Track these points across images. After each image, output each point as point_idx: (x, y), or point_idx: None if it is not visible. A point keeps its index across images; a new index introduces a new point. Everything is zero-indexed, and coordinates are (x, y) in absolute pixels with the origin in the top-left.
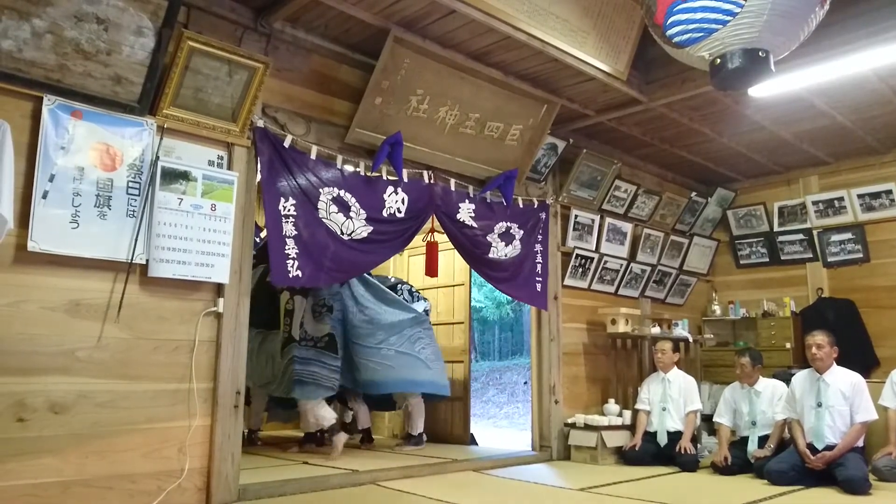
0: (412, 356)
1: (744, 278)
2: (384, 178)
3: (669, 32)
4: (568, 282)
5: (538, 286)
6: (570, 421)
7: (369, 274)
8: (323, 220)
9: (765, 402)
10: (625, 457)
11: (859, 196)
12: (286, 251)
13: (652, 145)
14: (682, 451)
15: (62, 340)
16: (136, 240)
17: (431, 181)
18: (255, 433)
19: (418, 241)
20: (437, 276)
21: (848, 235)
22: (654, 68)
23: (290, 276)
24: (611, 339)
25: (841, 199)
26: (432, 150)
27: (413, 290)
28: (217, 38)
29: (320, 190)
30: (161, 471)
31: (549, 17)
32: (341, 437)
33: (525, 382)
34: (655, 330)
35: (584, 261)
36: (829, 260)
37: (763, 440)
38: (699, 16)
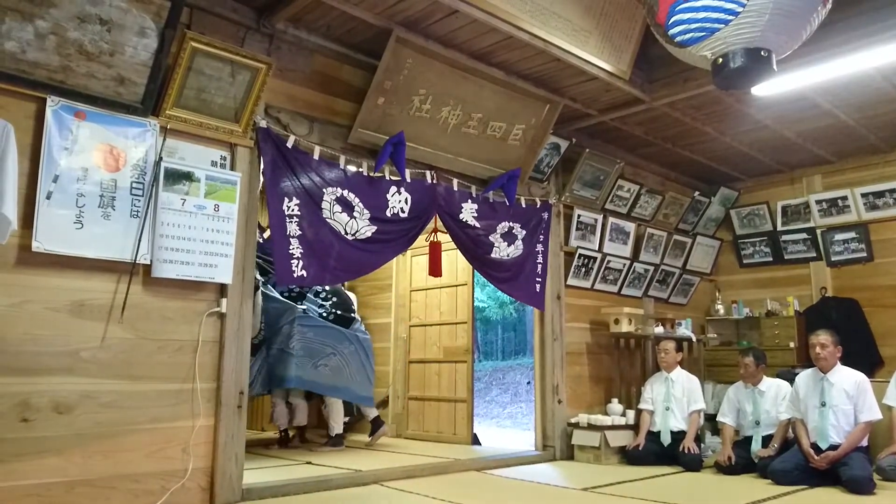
0: (287, 352)
1: (747, 278)
2: (387, 178)
3: (671, 32)
4: (571, 281)
5: (537, 286)
6: (573, 421)
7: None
8: (327, 219)
9: (768, 402)
10: (628, 456)
11: (863, 195)
12: (290, 251)
13: (655, 145)
14: (686, 451)
15: (66, 341)
16: (139, 240)
17: (434, 181)
18: (285, 432)
19: (421, 240)
20: (440, 275)
21: (851, 234)
22: (656, 68)
23: (295, 275)
24: (614, 339)
25: (844, 198)
26: (435, 150)
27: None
28: (220, 38)
29: (324, 190)
30: (165, 471)
31: (552, 16)
32: None
33: (528, 382)
34: (659, 329)
35: (587, 260)
36: (832, 259)
37: (767, 440)
38: (701, 15)
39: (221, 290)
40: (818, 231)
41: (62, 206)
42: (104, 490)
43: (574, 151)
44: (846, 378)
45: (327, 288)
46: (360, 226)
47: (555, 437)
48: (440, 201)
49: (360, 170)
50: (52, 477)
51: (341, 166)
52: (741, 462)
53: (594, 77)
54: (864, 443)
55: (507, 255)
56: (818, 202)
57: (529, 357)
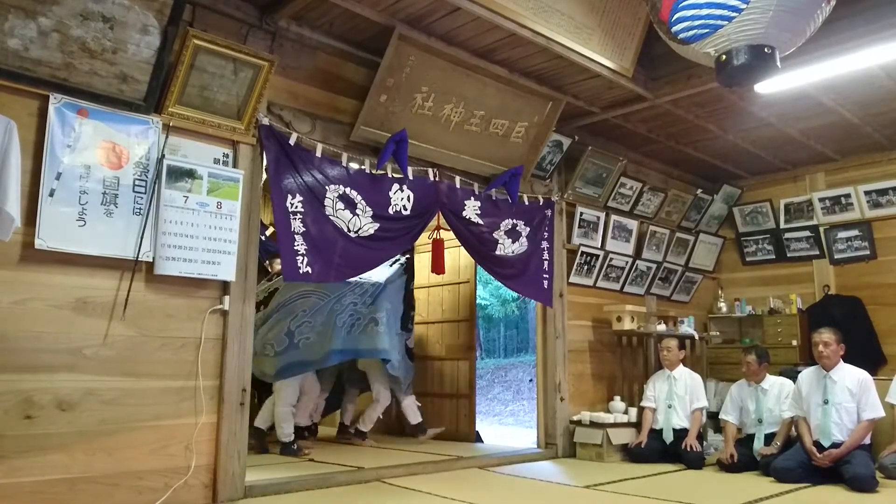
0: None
1: (750, 275)
2: (389, 175)
3: (675, 29)
4: (573, 279)
5: (545, 283)
6: (575, 418)
7: None
8: (330, 217)
9: (771, 400)
10: (630, 454)
11: (866, 193)
12: (295, 247)
13: (657, 142)
14: (688, 449)
15: (69, 338)
16: (142, 237)
17: (437, 179)
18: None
19: (424, 238)
20: (443, 273)
21: (855, 232)
22: (659, 65)
23: (301, 271)
24: (616, 337)
25: (848, 195)
26: (437, 147)
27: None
28: (222, 36)
29: (326, 187)
30: (168, 468)
31: (554, 13)
32: None
33: (530, 380)
34: (661, 327)
35: (589, 258)
36: (835, 257)
37: (769, 438)
38: (704, 12)
39: (224, 287)
40: (821, 229)
41: (65, 203)
42: (107, 487)
43: (576, 149)
44: (849, 376)
45: None
46: (363, 223)
47: (557, 435)
48: (443, 199)
49: (363, 167)
50: (55, 474)
51: (343, 164)
52: (743, 460)
53: (597, 74)
54: (867, 441)
55: (512, 252)
56: (821, 200)
57: (532, 355)
